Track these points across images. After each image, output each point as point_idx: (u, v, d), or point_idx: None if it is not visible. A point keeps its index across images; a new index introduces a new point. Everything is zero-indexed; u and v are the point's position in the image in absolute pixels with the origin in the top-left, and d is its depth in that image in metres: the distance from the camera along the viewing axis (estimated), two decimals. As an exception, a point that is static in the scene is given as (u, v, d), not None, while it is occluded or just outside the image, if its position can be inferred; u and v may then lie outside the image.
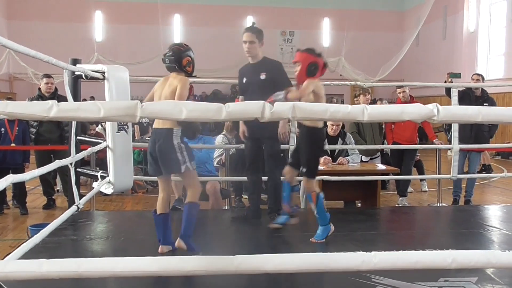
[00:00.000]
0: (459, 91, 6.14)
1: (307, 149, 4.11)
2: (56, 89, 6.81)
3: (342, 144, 6.08)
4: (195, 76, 3.85)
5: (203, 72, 16.06)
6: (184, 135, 3.63)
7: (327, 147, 5.88)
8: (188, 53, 3.72)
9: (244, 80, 4.72)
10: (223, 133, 6.94)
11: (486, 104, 6.30)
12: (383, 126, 7.17)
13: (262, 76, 4.60)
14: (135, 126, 9.45)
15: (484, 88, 6.74)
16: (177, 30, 19.41)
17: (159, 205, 3.73)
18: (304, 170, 4.11)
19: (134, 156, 7.22)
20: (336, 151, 6.08)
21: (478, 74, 6.89)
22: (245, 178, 6.19)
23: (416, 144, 7.06)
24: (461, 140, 6.13)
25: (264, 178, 4.90)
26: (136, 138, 9.34)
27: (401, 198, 6.80)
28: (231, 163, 6.18)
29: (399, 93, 6.94)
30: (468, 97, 6.48)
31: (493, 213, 5.67)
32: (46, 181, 6.81)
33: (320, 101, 3.91)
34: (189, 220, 3.62)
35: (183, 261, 1.49)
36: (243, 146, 5.46)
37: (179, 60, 3.68)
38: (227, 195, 5.92)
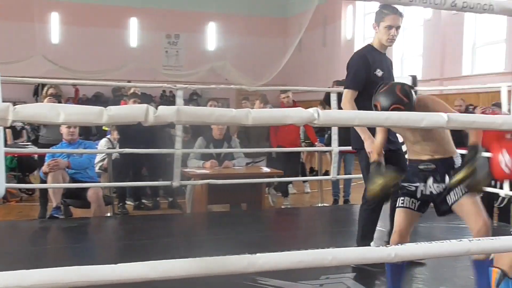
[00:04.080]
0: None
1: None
2: None
3: (228, 147, 6.13)
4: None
5: (82, 74, 15.39)
6: None
7: (213, 150, 5.89)
8: None
9: (380, 73, 3.59)
10: (107, 136, 6.68)
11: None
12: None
13: (392, 70, 3.83)
14: (6, 130, 8.78)
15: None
16: (54, 29, 18.38)
17: None
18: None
19: (7, 162, 6.70)
20: (222, 154, 6.11)
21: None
22: (129, 183, 6.02)
23: (299, 147, 7.34)
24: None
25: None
26: (8, 143, 8.67)
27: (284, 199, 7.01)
28: (114, 168, 5.96)
29: (283, 98, 7.15)
30: None
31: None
32: None
33: None
34: None
35: (38, 274, 1.39)
36: (128, 150, 5.29)
37: None
38: (109, 201, 5.70)
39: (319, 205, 6.60)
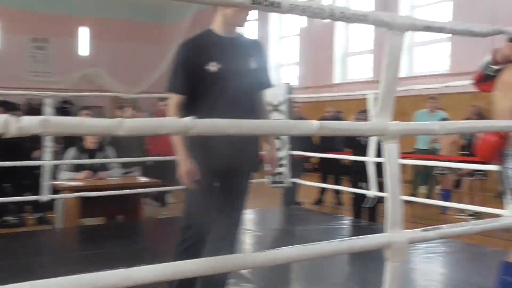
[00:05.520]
0: None
1: None
2: None
3: (102, 157, 5.88)
4: None
5: None
6: None
7: (85, 161, 5.62)
8: None
9: (215, 67, 2.54)
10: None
11: None
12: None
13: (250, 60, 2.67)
14: None
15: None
16: None
17: None
18: None
19: None
20: (96, 165, 5.85)
21: None
22: (8, 198, 5.55)
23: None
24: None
25: None
26: None
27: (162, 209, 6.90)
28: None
29: (162, 106, 7.04)
30: None
31: (248, 217, 6.14)
32: None
33: None
34: None
35: None
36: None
37: None
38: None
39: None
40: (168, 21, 19.52)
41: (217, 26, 2.60)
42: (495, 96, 2.73)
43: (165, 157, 6.63)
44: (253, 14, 14.25)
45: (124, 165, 6.35)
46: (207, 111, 2.30)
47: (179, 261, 1.50)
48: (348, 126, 1.71)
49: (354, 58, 13.08)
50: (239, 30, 2.65)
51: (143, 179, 6.15)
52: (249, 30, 16.80)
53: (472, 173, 6.84)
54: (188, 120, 1.43)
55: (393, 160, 1.72)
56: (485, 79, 2.76)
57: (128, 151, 6.43)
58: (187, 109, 2.54)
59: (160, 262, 1.44)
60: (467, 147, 6.57)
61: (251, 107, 2.65)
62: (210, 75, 2.52)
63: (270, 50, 14.95)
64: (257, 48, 2.70)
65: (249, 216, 6.24)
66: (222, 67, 2.53)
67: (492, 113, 2.79)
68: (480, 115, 6.90)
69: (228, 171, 2.64)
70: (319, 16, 1.56)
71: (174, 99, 2.62)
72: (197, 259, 1.51)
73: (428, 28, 1.80)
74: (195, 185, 2.56)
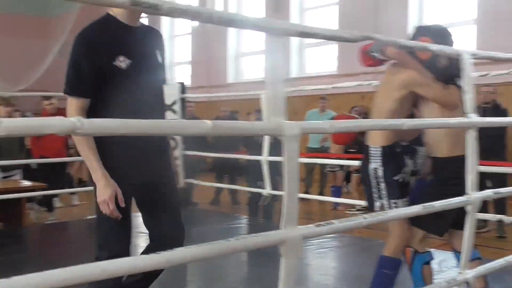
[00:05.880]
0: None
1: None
2: None
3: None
4: None
5: None
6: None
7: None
8: None
9: (126, 62, 2.17)
10: None
11: None
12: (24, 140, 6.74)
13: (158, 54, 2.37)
14: None
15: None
16: None
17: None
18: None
19: None
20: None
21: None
22: None
23: (65, 157, 6.94)
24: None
25: None
26: None
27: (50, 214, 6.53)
28: None
29: (47, 105, 6.66)
30: None
31: (141, 220, 6.00)
32: None
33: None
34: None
35: None
36: None
37: None
38: None
39: (90, 217, 6.34)
40: (52, 14, 18.47)
41: (118, 12, 2.15)
42: (377, 95, 2.88)
43: (51, 160, 6.29)
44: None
45: (3, 168, 5.92)
46: (117, 115, 1.85)
47: (60, 269, 1.40)
48: (241, 125, 1.71)
49: (247, 58, 13.27)
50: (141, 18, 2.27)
51: (26, 183, 5.76)
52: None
53: (359, 169, 7.20)
54: (75, 120, 1.34)
55: (292, 159, 1.75)
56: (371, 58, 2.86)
57: (6, 153, 5.97)
58: (90, 114, 2.12)
59: (46, 270, 1.34)
60: (354, 145, 6.91)
61: (160, 106, 2.40)
62: (119, 72, 2.11)
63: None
64: (160, 40, 2.37)
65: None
66: (133, 63, 2.14)
67: (372, 111, 2.90)
68: (365, 114, 7.31)
69: (146, 184, 2.26)
70: (198, 19, 1.57)
71: (76, 103, 2.12)
72: (82, 266, 1.42)
73: (302, 33, 1.88)
74: (117, 213, 2.14)
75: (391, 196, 2.68)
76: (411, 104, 2.75)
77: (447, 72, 2.69)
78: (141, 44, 2.22)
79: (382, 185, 2.69)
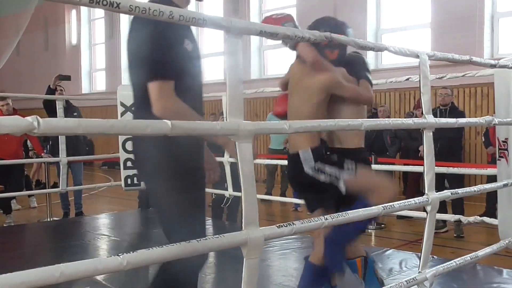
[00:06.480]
0: None
1: None
2: None
3: None
4: None
5: None
6: None
7: None
8: None
9: (190, 46, 2.07)
10: None
11: None
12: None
13: None
14: None
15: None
16: None
17: None
18: None
19: None
20: None
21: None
22: None
23: (22, 158, 6.80)
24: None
25: None
26: None
27: (7, 216, 6.35)
28: None
29: (2, 105, 6.49)
30: None
31: (103, 222, 5.91)
32: None
33: None
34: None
35: None
36: None
37: None
38: None
39: (48, 219, 6.22)
40: (3, 14, 17.91)
41: None
42: (293, 98, 2.77)
43: (7, 161, 6.12)
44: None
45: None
46: (183, 99, 1.92)
47: (19, 272, 1.36)
48: (200, 126, 1.71)
49: (208, 60, 13.22)
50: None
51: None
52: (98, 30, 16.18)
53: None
54: (32, 119, 1.31)
55: (246, 160, 1.76)
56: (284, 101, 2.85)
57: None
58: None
59: (4, 273, 1.30)
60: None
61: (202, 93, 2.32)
62: (187, 55, 2.03)
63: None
64: None
65: (104, 220, 6.01)
66: (194, 46, 2.07)
67: (288, 114, 2.80)
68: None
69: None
70: (158, 18, 1.56)
71: (167, 85, 1.95)
72: (44, 268, 1.39)
73: (262, 32, 1.88)
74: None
75: (340, 167, 2.65)
76: (327, 105, 2.71)
77: (355, 68, 2.74)
78: (191, 29, 2.15)
79: (328, 168, 2.63)
